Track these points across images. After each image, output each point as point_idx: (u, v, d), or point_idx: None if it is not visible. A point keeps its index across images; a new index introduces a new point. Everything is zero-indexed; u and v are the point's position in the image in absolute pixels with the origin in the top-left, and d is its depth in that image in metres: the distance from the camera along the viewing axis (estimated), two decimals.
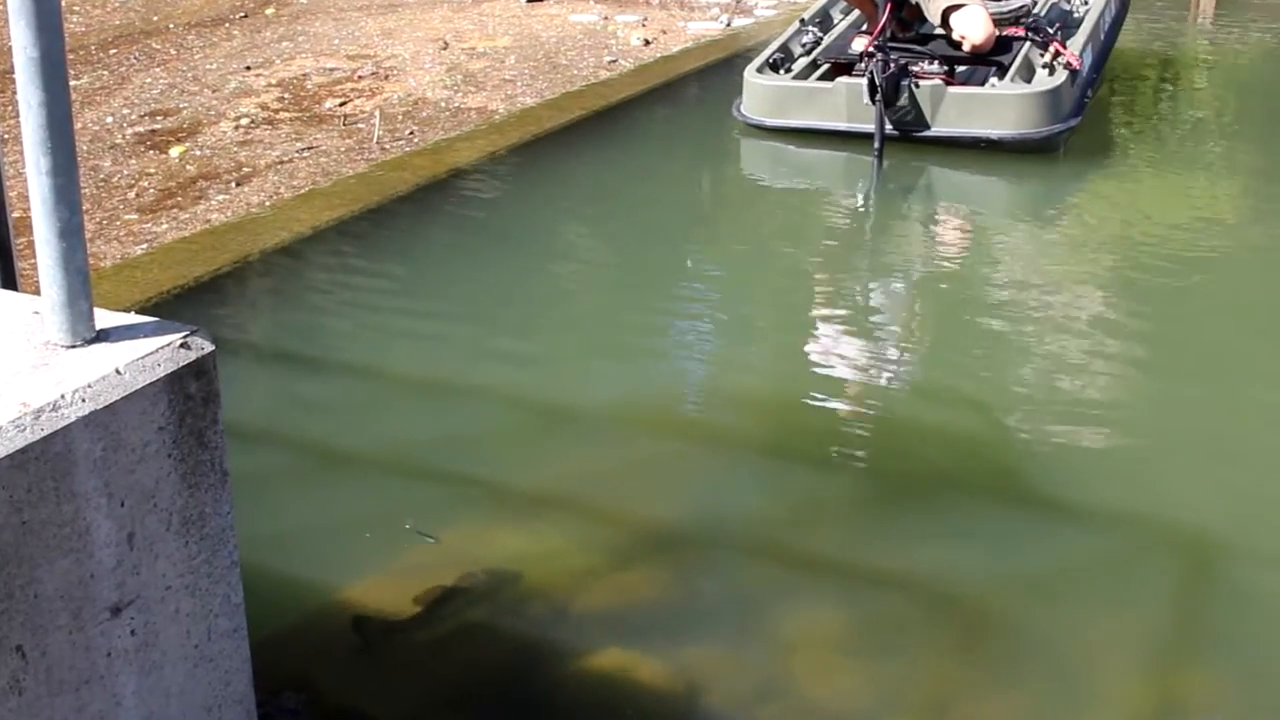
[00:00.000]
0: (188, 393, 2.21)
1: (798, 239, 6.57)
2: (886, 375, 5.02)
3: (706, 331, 5.47)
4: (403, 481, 4.26)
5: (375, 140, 7.35)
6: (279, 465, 4.33)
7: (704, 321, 5.56)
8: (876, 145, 7.22)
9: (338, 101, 8.14)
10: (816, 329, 5.42)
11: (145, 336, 2.22)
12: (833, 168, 7.51)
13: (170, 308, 5.10)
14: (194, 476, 2.24)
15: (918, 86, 7.28)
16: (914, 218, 6.96)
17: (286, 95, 8.28)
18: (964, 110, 7.28)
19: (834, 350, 5.19)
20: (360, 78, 8.69)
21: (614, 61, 9.19)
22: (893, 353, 5.19)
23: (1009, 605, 3.62)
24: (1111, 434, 4.55)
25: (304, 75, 8.74)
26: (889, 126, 7.28)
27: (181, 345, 2.22)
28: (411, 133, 7.54)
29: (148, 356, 2.18)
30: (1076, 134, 7.52)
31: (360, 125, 7.66)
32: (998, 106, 7.25)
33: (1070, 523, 4.02)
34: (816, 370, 5.04)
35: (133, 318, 2.30)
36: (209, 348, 2.25)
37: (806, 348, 5.24)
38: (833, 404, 4.78)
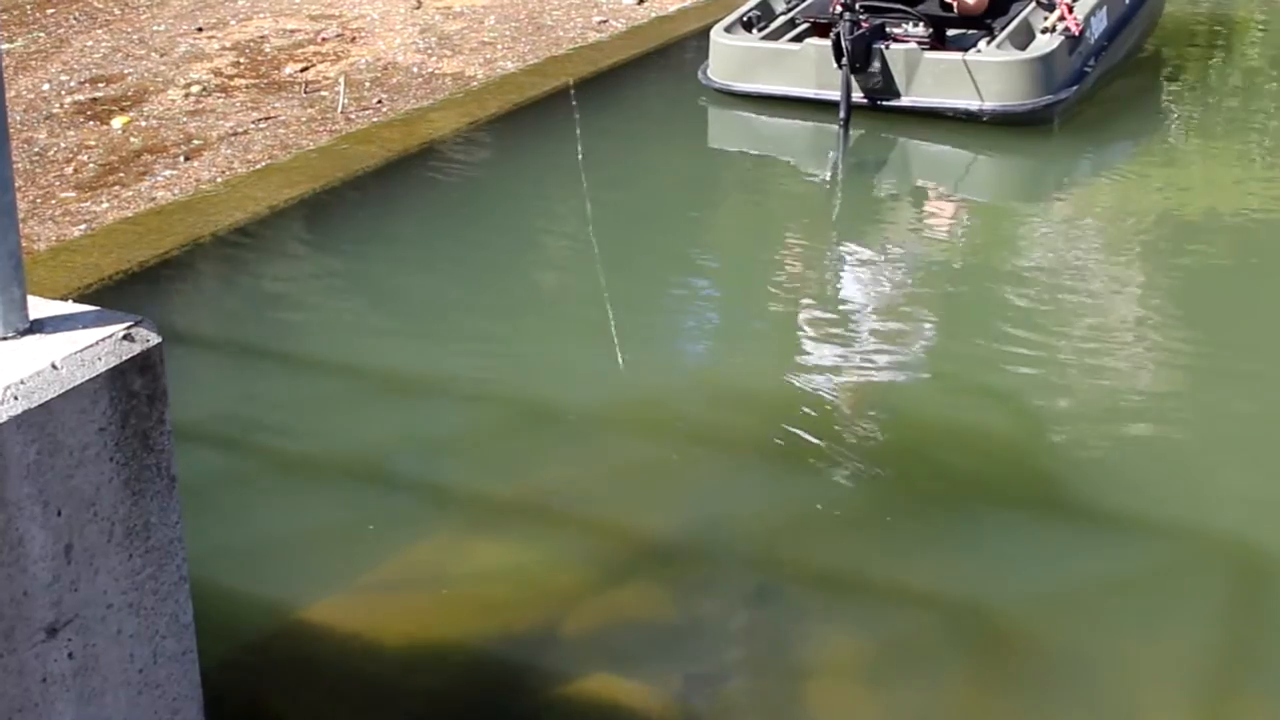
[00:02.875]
0: (131, 390, 2.20)
1: (784, 224, 6.55)
2: (899, 372, 5.02)
3: (700, 323, 5.47)
4: (370, 488, 4.25)
5: (340, 110, 7.34)
6: (233, 470, 4.32)
7: (697, 313, 5.56)
8: (842, 114, 7.19)
9: (299, 67, 8.13)
10: (818, 321, 5.42)
11: (84, 328, 2.22)
12: (807, 140, 7.52)
13: (112, 296, 5.09)
14: (138, 483, 2.23)
15: (888, 49, 7.25)
16: (894, 199, 6.96)
17: (242, 60, 8.26)
18: (941, 78, 7.22)
19: (839, 344, 5.19)
20: (324, 40, 8.68)
21: (604, 22, 9.18)
22: (903, 347, 5.19)
23: (1042, 625, 3.63)
24: (1152, 436, 4.55)
25: (261, 37, 8.73)
26: (858, 94, 7.25)
27: (124, 337, 2.21)
28: (380, 101, 7.53)
29: (87, 350, 2.17)
30: (1085, 107, 7.53)
31: (324, 93, 7.65)
32: (977, 75, 7.17)
33: (1109, 534, 4.02)
34: (822, 365, 5.04)
35: (70, 307, 2.29)
36: (155, 340, 2.24)
37: (809, 341, 5.24)
38: (843, 402, 4.77)
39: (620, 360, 4.87)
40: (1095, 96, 7.69)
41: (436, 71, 8.13)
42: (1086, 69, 7.52)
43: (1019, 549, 3.93)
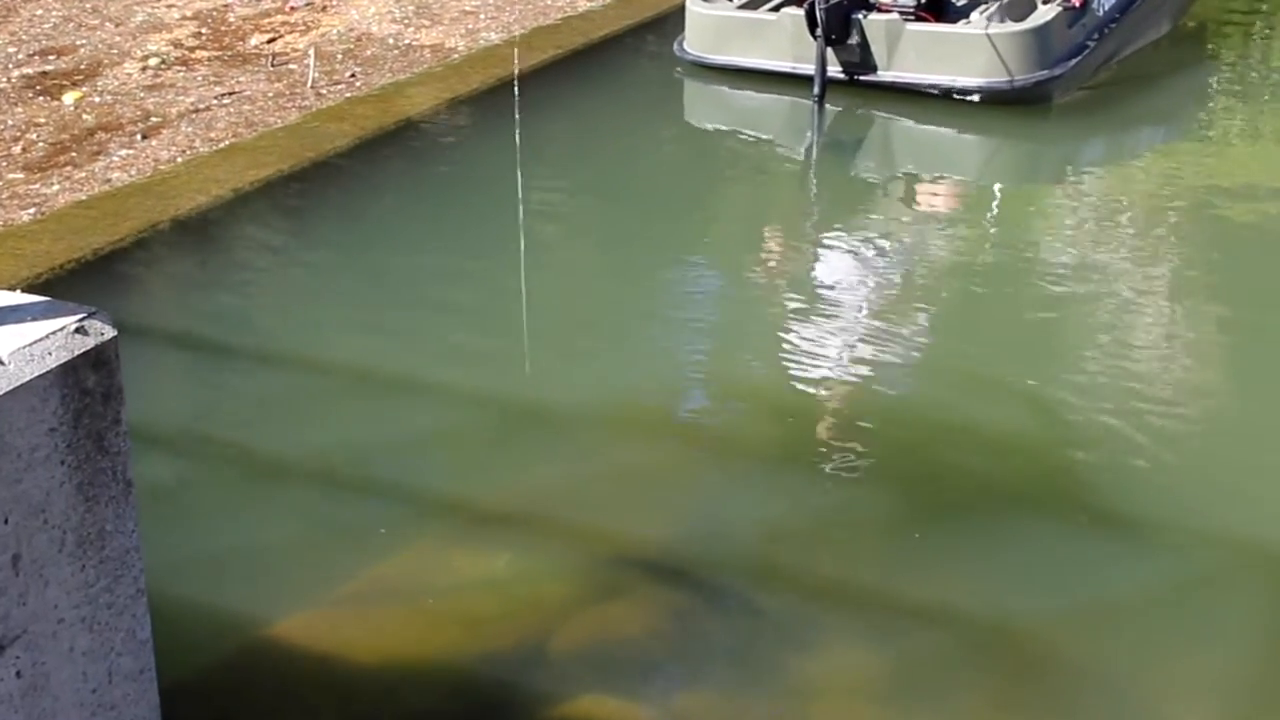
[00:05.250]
0: (84, 387, 2.20)
1: (768, 214, 6.58)
2: (908, 369, 5.02)
3: (698, 317, 5.47)
4: (344, 494, 4.25)
5: (310, 84, 7.33)
6: (195, 475, 4.32)
7: (694, 306, 5.55)
8: (816, 90, 7.24)
9: (265, 38, 8.12)
10: (817, 316, 5.41)
11: (33, 320, 2.21)
12: (783, 118, 7.56)
13: (64, 285, 5.09)
14: (92, 488, 2.23)
15: (867, 20, 7.26)
16: (875, 185, 6.98)
17: (204, 30, 8.26)
18: (924, 52, 7.22)
19: (842, 340, 5.19)
20: (292, 9, 8.68)
21: None
22: (910, 343, 5.19)
23: (1068, 641, 3.63)
24: (1184, 437, 4.55)
25: (225, 6, 8.72)
26: (836, 68, 7.28)
27: (77, 330, 2.21)
28: (353, 75, 7.52)
29: (36, 344, 2.16)
30: (1090, 85, 7.50)
31: (292, 66, 7.64)
32: (962, 49, 7.17)
33: (1140, 542, 4.03)
34: (826, 362, 5.04)
35: (18, 297, 2.29)
36: (110, 333, 2.24)
37: (809, 337, 5.24)
38: (852, 401, 4.78)
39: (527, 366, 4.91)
40: (1104, 74, 7.68)
41: (414, 43, 8.13)
42: (1089, 43, 7.48)
43: (1043, 559, 3.94)
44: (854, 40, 7.21)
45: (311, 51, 7.80)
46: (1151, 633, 3.66)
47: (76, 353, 2.18)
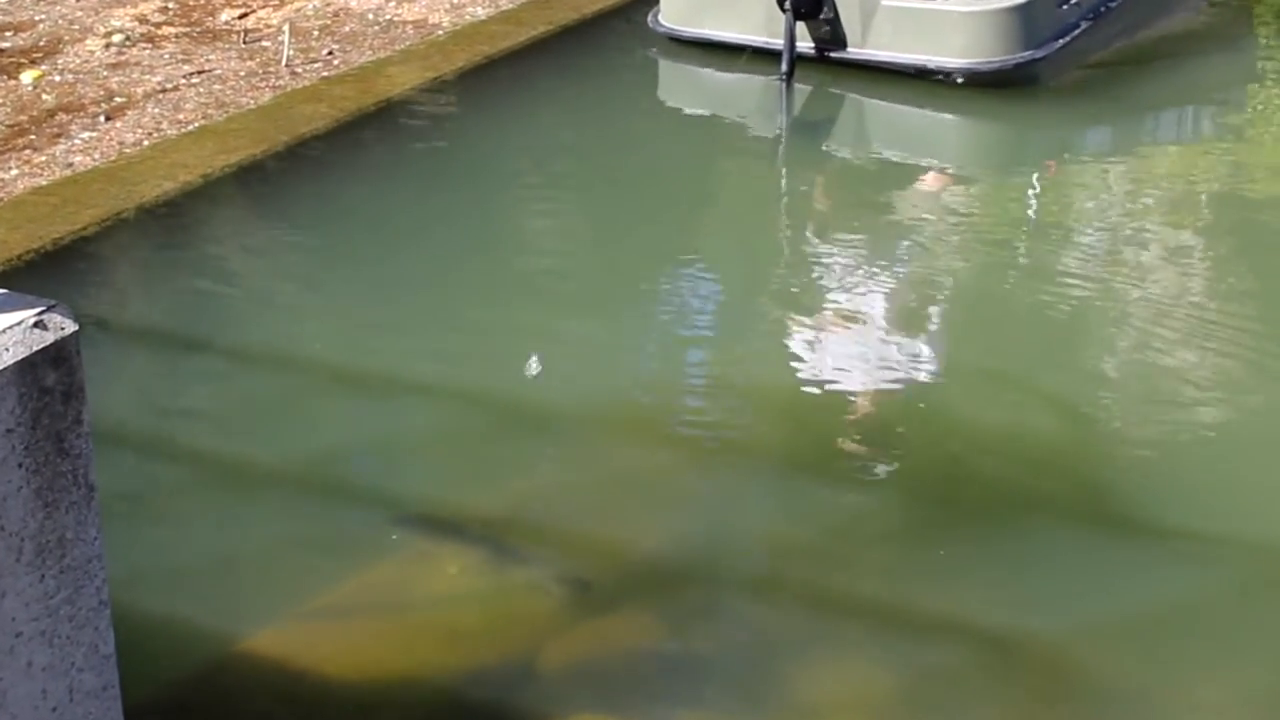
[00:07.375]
0: (44, 385, 2.19)
1: (750, 205, 6.60)
2: (915, 367, 5.02)
3: (696, 312, 5.46)
4: (322, 499, 4.24)
5: (284, 62, 7.33)
6: (163, 479, 4.31)
7: (687, 301, 5.54)
8: (784, 68, 7.25)
9: (236, 13, 8.12)
10: (826, 311, 5.42)
11: None
12: (755, 98, 7.58)
13: (21, 277, 5.08)
14: (52, 493, 2.23)
15: None
16: (857, 170, 6.98)
17: (171, 4, 8.25)
18: (900, 29, 7.22)
19: (843, 336, 5.19)
20: None
21: None
22: (917, 339, 5.19)
23: (1092, 656, 3.63)
24: (1216, 441, 4.55)
25: None
26: (807, 44, 7.29)
27: (35, 325, 2.20)
28: (330, 53, 7.52)
29: None
30: (1090, 66, 7.49)
31: (265, 43, 7.64)
32: (940, 26, 7.17)
33: (1170, 552, 4.02)
34: (836, 361, 5.04)
35: None
36: (71, 328, 2.23)
37: (819, 333, 5.24)
38: (862, 402, 4.78)
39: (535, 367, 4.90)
40: (1106, 55, 7.67)
41: (395, 18, 8.12)
42: (1081, 22, 7.48)
43: (1067, 569, 3.94)
44: (826, 14, 7.21)
45: (286, 27, 7.79)
46: (1181, 648, 3.66)
47: (35, 348, 2.18)
